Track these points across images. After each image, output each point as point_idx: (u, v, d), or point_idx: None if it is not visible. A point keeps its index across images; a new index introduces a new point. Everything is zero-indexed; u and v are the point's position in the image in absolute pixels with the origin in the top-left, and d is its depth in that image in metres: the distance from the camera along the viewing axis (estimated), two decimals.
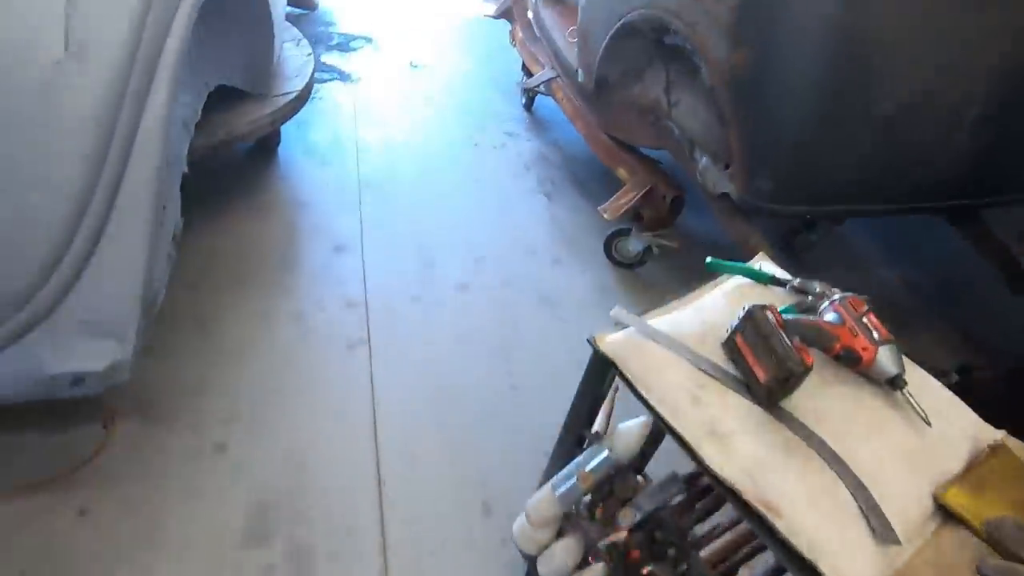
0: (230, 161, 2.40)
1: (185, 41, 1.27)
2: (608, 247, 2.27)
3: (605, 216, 2.09)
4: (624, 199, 2.07)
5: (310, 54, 2.47)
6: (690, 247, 2.28)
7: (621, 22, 1.86)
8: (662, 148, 2.03)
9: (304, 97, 2.29)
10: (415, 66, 3.46)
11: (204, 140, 1.83)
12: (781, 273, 0.95)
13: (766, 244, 1.66)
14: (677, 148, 1.88)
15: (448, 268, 2.16)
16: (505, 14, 3.11)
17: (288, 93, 2.21)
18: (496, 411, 1.71)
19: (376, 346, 1.82)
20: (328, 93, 3.03)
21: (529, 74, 2.96)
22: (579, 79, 2.29)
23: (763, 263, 1.00)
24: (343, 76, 3.22)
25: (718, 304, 0.90)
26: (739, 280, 0.95)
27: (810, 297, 0.88)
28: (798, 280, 0.91)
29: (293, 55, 2.43)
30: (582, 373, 0.93)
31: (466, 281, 2.12)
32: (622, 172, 2.22)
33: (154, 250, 1.23)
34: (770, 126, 1.42)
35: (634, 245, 2.21)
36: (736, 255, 1.87)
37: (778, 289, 0.93)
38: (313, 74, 2.38)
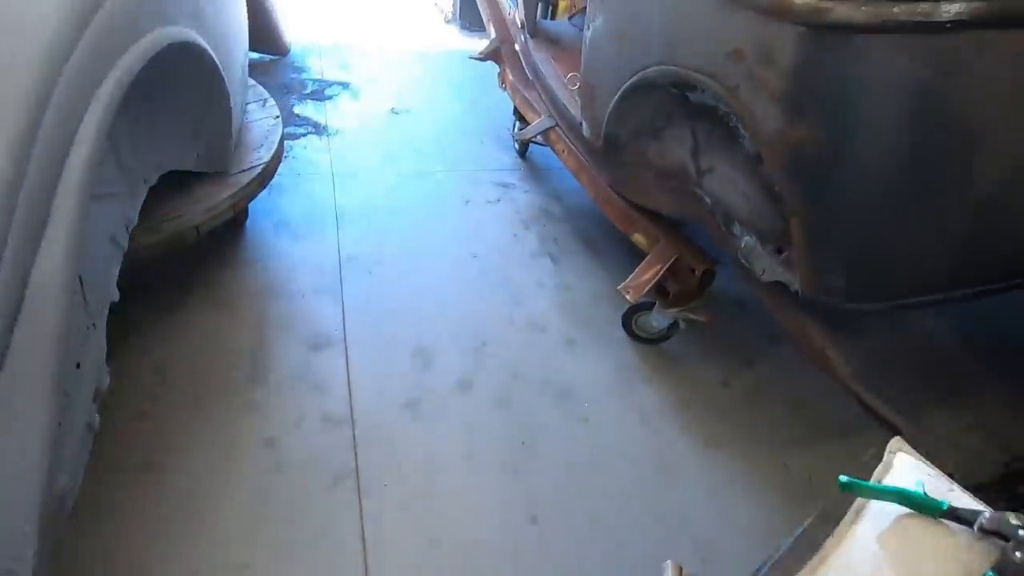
0: None
1: (97, 151, 0.98)
2: (627, 323, 1.99)
3: (627, 297, 1.81)
4: (647, 275, 1.79)
5: (278, 117, 2.18)
6: (718, 309, 2.00)
7: (635, 77, 1.59)
8: (687, 216, 1.75)
9: (272, 169, 1.99)
10: (396, 112, 3.19)
11: (147, 238, 1.53)
12: (960, 498, 0.64)
13: (828, 339, 1.38)
14: (707, 219, 1.61)
15: (446, 361, 1.86)
16: (492, 55, 2.84)
17: (253, 167, 1.92)
18: (515, 556, 1.40)
19: (365, 478, 1.51)
20: (302, 151, 2.75)
21: (522, 120, 2.68)
22: (584, 133, 2.02)
23: (913, 468, 0.68)
24: (318, 129, 2.94)
25: (877, 564, 0.61)
26: (891, 510, 0.65)
27: (1018, 553, 0.59)
28: (987, 514, 0.62)
29: (258, 120, 2.14)
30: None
31: (468, 377, 1.82)
32: (639, 238, 1.94)
33: (61, 432, 0.92)
34: (844, 214, 1.15)
35: (658, 321, 1.93)
36: (765, 317, 1.53)
37: (956, 526, 0.64)
38: (282, 140, 2.09)
